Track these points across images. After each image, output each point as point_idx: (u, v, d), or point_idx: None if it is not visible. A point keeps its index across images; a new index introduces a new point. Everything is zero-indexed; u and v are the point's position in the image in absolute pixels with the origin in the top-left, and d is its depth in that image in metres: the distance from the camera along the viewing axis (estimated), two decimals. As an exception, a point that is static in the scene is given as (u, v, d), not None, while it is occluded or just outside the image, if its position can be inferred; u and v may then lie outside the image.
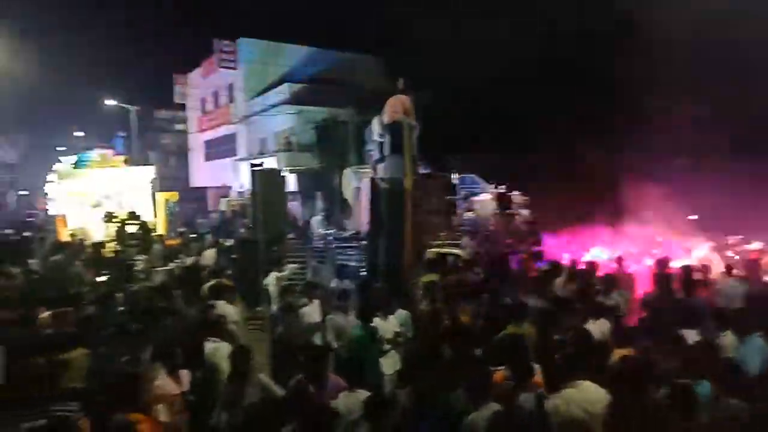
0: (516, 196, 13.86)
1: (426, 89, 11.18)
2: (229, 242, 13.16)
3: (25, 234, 17.38)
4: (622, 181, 12.89)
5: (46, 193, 20.30)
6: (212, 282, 7.56)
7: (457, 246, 10.31)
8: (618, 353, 4.35)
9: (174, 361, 4.64)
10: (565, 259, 9.24)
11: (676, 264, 8.48)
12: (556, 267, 8.15)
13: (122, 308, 6.86)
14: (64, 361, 4.88)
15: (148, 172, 18.22)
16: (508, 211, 13.18)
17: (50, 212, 19.00)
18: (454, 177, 13.87)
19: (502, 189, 14.14)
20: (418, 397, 4.12)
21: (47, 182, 19.01)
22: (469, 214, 13.38)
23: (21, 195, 33.22)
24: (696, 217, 12.13)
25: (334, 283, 8.19)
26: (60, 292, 7.97)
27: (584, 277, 7.92)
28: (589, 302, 6.39)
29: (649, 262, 9.06)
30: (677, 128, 12.91)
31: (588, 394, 3.47)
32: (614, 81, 16.05)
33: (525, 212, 13.45)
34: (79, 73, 44.30)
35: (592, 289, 7.10)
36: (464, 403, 3.96)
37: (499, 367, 4.22)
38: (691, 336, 4.98)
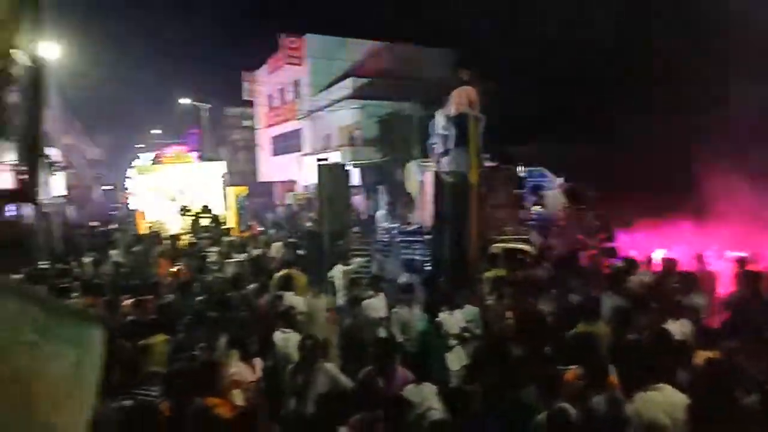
0: (587, 189, 13.34)
1: (492, 80, 10.92)
2: (295, 236, 13.50)
3: (110, 226, 18.51)
4: (702, 173, 12.12)
5: (127, 188, 21.53)
6: (282, 273, 7.76)
7: (524, 241, 10.06)
8: (702, 355, 4.12)
9: (248, 349, 4.83)
10: (640, 256, 8.79)
11: (762, 262, 7.90)
12: (630, 264, 7.80)
13: (199, 297, 7.14)
14: (146, 347, 5.14)
15: (219, 168, 18.92)
16: (578, 206, 12.70)
17: (131, 206, 20.18)
18: (521, 170, 13.51)
19: (571, 182, 13.66)
20: (486, 394, 4.07)
21: (127, 177, 20.15)
22: (537, 209, 13.01)
23: (105, 190, 35.35)
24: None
25: (403, 278, 8.20)
26: (140, 281, 8.45)
27: (662, 274, 7.54)
28: (666, 301, 6.09)
29: (731, 259, 8.49)
30: (762, 116, 11.98)
31: (670, 398, 3.31)
32: (691, 68, 15.13)
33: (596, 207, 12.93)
34: (157, 75, 46.64)
35: (669, 287, 6.76)
36: (534, 402, 3.88)
37: (570, 366, 4.10)
38: (784, 339, 4.64)
